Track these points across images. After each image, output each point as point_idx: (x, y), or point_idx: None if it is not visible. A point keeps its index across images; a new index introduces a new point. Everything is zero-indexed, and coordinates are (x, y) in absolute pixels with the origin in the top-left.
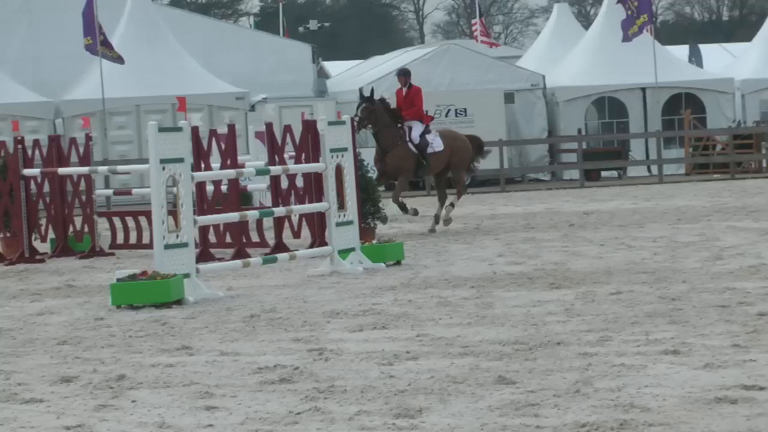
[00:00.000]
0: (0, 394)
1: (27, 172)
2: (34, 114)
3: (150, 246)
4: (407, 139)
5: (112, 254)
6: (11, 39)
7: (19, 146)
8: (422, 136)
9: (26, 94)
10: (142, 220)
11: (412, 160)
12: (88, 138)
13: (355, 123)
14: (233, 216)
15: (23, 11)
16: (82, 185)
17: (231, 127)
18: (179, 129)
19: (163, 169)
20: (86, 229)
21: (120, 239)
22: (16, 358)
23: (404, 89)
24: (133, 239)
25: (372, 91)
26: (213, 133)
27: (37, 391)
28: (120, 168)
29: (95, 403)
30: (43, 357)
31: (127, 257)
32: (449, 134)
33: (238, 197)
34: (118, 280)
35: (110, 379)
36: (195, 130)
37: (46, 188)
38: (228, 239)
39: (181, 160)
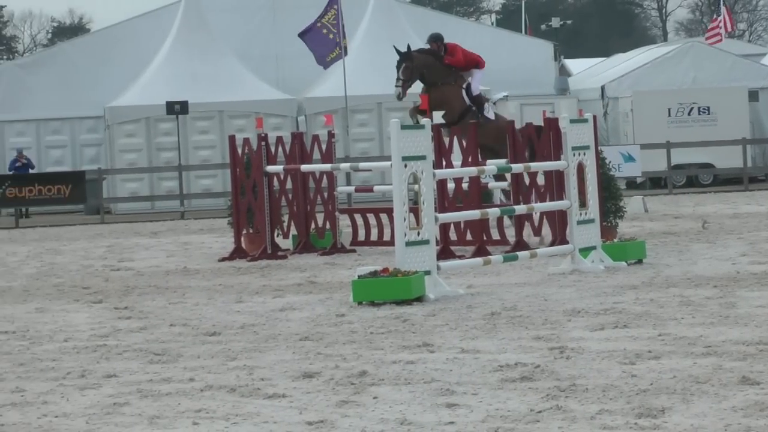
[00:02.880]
0: (243, 389)
1: (270, 168)
2: (277, 111)
3: (391, 243)
4: (464, 85)
5: (353, 251)
6: (256, 36)
7: (263, 143)
8: (481, 95)
9: (270, 91)
10: (383, 217)
11: (461, 102)
12: (331, 135)
13: (398, 89)
14: (474, 214)
15: (268, 9)
16: (324, 182)
17: (472, 125)
18: (421, 126)
19: (405, 166)
20: (328, 225)
21: (361, 236)
22: (259, 354)
23: (443, 54)
24: (374, 236)
25: (408, 46)
26: (454, 130)
27: (279, 386)
28: (362, 165)
29: (337, 399)
30: (285, 353)
31: (368, 254)
32: (503, 122)
33: (479, 195)
34: (359, 276)
35: (352, 375)
36: (437, 128)
37: (289, 185)
38: (468, 237)
39: (423, 158)
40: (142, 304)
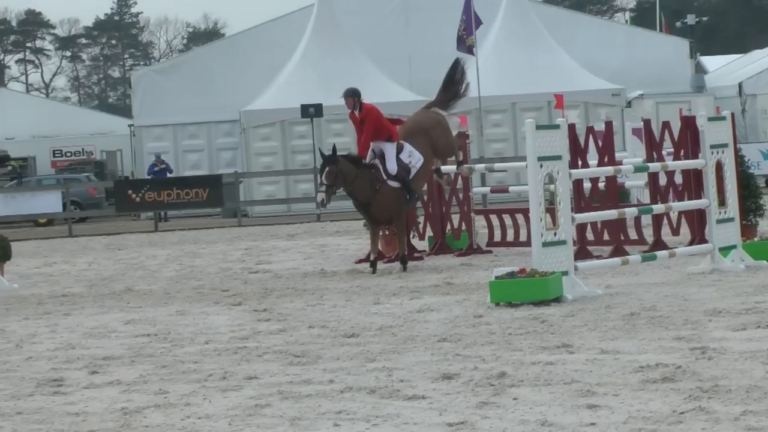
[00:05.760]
0: (383, 390)
1: None
2: (410, 113)
3: (527, 244)
4: (384, 177)
5: (489, 252)
6: (388, 38)
7: None
8: (399, 161)
9: (403, 93)
10: (519, 217)
11: (400, 199)
12: (465, 136)
13: (321, 195)
14: (611, 213)
15: (400, 11)
16: (459, 183)
17: (608, 124)
18: (556, 126)
19: (541, 166)
20: (464, 226)
21: (497, 237)
22: (398, 355)
23: (356, 112)
24: (509, 237)
25: (334, 148)
26: (590, 130)
27: (419, 387)
28: (497, 166)
29: (477, 401)
30: (423, 354)
31: (504, 255)
32: (416, 126)
33: (616, 194)
34: (496, 277)
35: (491, 377)
36: (572, 128)
37: (424, 186)
38: (605, 237)
39: (558, 158)
40: (281, 306)
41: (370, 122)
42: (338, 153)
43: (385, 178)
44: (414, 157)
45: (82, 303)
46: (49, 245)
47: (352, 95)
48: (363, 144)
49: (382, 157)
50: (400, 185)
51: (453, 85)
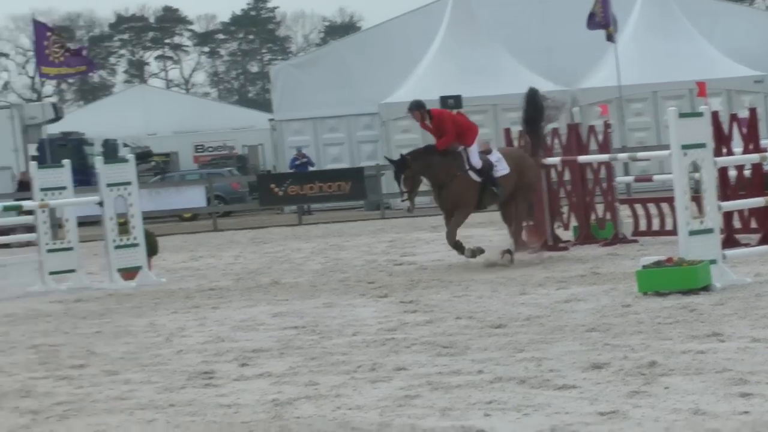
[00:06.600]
0: (533, 380)
1: (547, 160)
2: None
3: (672, 232)
4: (466, 167)
5: (635, 241)
6: (526, 29)
7: None
8: (483, 158)
9: (543, 83)
10: (664, 206)
11: (475, 190)
12: (607, 125)
13: (408, 204)
14: (758, 201)
15: (538, 1)
16: (602, 173)
17: (752, 111)
18: (700, 114)
19: (685, 155)
20: (608, 216)
21: (642, 226)
22: (546, 345)
23: (427, 122)
24: (655, 226)
25: (401, 155)
26: (733, 117)
27: (569, 377)
28: (640, 155)
29: (627, 390)
30: (572, 344)
31: (650, 244)
32: (515, 153)
33: (763, 182)
34: (644, 266)
35: (641, 366)
36: (715, 115)
37: (567, 176)
38: (753, 225)
39: (702, 146)
40: (427, 298)
41: (448, 124)
42: (404, 154)
43: (467, 167)
44: (501, 165)
45: (230, 296)
46: (195, 239)
47: (417, 108)
48: (444, 144)
49: (467, 155)
50: (482, 180)
51: (534, 120)
